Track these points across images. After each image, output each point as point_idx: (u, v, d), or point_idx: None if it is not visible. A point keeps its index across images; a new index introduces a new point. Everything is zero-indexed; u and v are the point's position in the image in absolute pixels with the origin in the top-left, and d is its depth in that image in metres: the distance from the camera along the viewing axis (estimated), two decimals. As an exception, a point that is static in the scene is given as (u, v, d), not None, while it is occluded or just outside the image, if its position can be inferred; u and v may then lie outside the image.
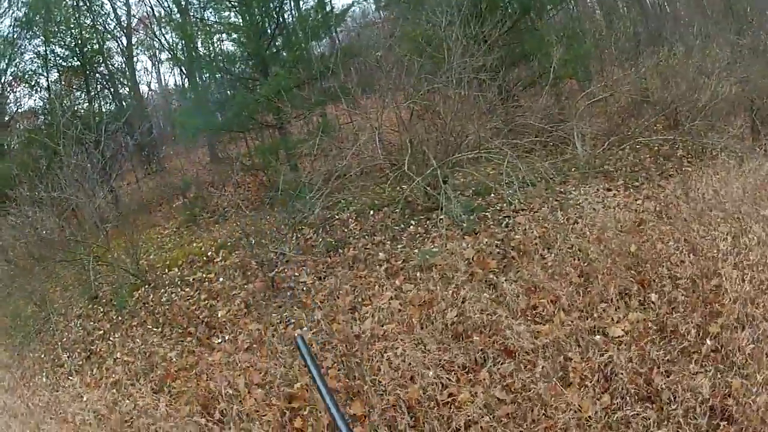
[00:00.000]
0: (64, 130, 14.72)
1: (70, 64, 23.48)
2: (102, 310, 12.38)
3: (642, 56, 14.87)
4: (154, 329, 10.64)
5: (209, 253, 13.44)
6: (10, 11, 21.76)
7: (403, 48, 15.13)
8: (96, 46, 23.74)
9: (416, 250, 10.25)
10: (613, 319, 6.72)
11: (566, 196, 11.15)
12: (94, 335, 11.35)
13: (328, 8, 18.22)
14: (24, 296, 13.97)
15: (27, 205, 13.87)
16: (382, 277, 9.60)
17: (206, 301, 11.10)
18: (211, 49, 19.50)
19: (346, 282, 9.77)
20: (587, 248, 8.39)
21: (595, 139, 13.39)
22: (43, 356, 11.39)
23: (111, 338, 10.85)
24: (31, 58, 22.58)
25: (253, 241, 11.64)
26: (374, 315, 8.21)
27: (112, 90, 25.56)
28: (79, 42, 22.69)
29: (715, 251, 7.43)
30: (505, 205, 11.09)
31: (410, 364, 6.64)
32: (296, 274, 10.82)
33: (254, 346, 8.66)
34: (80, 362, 10.44)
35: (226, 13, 18.41)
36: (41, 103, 23.29)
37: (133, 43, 26.22)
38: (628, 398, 5.44)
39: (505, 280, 8.17)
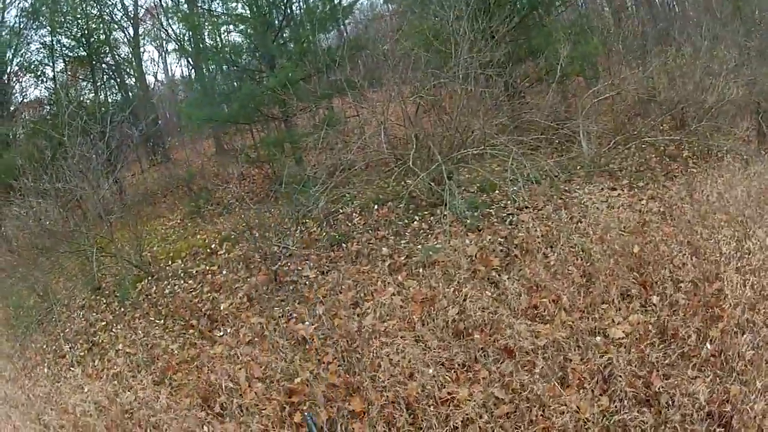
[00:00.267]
0: (70, 121, 14.68)
1: (76, 54, 23.39)
2: (105, 301, 12.38)
3: (649, 55, 14.80)
4: (157, 321, 10.65)
5: (213, 246, 13.42)
6: (17, 1, 21.81)
7: (411, 42, 15.05)
8: (102, 37, 23.63)
9: (419, 246, 10.24)
10: (613, 321, 6.74)
11: (571, 194, 11.12)
12: (96, 326, 11.35)
13: (335, 0, 18.06)
14: (27, 287, 13.98)
15: (31, 195, 13.83)
16: (385, 273, 9.60)
17: (209, 294, 11.09)
18: (218, 40, 19.44)
19: (348, 277, 9.78)
20: (590, 248, 8.39)
21: (600, 137, 13.31)
22: (45, 347, 11.41)
23: (113, 330, 10.86)
24: (37, 48, 22.49)
25: (257, 234, 11.63)
26: (376, 311, 8.23)
27: (118, 80, 25.41)
28: (86, 32, 22.61)
29: (718, 255, 7.43)
30: (509, 202, 11.05)
31: (410, 361, 6.67)
32: (299, 268, 10.83)
33: (256, 339, 8.68)
34: (82, 353, 10.46)
35: (234, 4, 18.38)
36: (47, 94, 23.23)
37: (139, 33, 26.11)
38: (626, 401, 5.45)
39: (508, 279, 8.18)
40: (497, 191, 11.65)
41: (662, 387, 5.47)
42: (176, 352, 9.14)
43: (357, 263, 10.39)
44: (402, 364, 6.69)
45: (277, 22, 17.44)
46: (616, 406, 5.46)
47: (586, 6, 21.35)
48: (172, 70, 39.37)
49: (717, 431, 5.02)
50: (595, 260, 8.05)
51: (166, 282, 12.22)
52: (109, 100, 23.19)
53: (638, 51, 15.64)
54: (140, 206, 19.49)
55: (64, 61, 23.71)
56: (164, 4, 25.47)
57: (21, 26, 21.43)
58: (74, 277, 13.89)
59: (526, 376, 6.03)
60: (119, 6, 25.08)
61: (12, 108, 22.03)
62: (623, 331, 6.49)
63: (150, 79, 28.65)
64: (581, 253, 8.46)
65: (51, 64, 22.92)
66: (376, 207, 12.42)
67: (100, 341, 10.64)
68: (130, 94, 25.03)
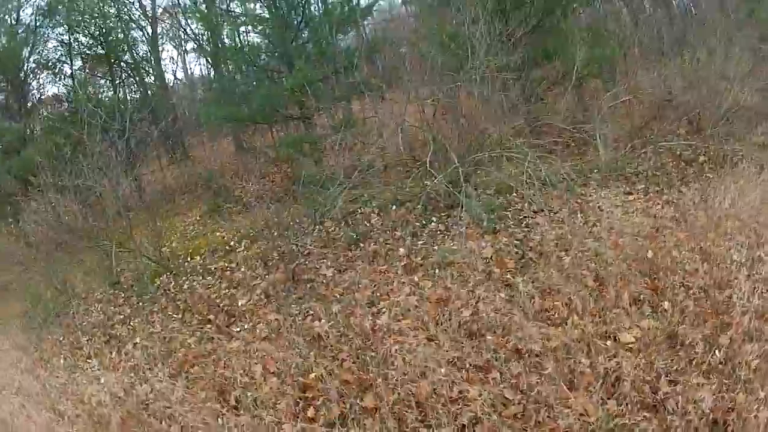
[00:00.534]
0: (89, 120, 14.81)
1: (94, 52, 23.52)
2: (123, 295, 12.55)
3: (666, 58, 14.80)
4: (174, 316, 10.76)
5: (231, 243, 13.59)
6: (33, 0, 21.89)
7: (428, 44, 15.16)
8: (120, 35, 23.72)
9: (436, 247, 10.35)
10: (624, 325, 6.80)
11: (586, 198, 11.16)
12: (114, 320, 11.49)
13: (354, 2, 18.18)
14: (45, 280, 14.14)
15: (50, 191, 14.06)
16: (401, 273, 9.68)
17: (227, 290, 11.22)
18: (237, 40, 19.61)
19: (365, 276, 9.86)
20: (604, 252, 8.44)
21: (617, 141, 13.33)
22: (61, 339, 11.55)
23: (131, 323, 10.99)
24: (54, 46, 22.69)
25: (276, 233, 11.81)
26: (391, 310, 8.32)
27: (137, 78, 25.57)
28: (104, 31, 22.72)
29: (729, 262, 7.48)
30: (525, 205, 11.12)
31: (423, 360, 6.75)
32: (317, 266, 10.96)
33: (272, 335, 8.77)
34: (99, 346, 10.53)
35: (252, 5, 18.56)
36: (65, 91, 23.48)
37: (158, 32, 26.16)
38: (632, 406, 5.53)
39: (522, 281, 8.25)
40: (514, 194, 11.69)
41: (669, 393, 5.55)
42: (193, 346, 9.22)
43: (374, 263, 10.49)
44: (414, 362, 6.76)
45: (295, 23, 17.58)
46: (622, 410, 5.53)
47: (603, 9, 21.28)
48: (191, 68, 39.42)
49: (721, 439, 5.09)
50: (608, 264, 8.10)
51: (184, 278, 12.36)
52: (128, 98, 23.19)
53: (655, 54, 15.63)
54: (159, 203, 19.68)
55: (82, 59, 23.92)
56: (182, 4, 25.73)
57: (37, 24, 21.63)
58: (92, 271, 14.01)
59: (536, 377, 6.12)
60: (137, 5, 25.21)
61: (29, 104, 22.19)
62: (634, 336, 6.56)
63: (169, 77, 28.70)
64: (595, 257, 8.50)
65: (69, 61, 23.19)
66: (393, 208, 12.46)
67: (118, 334, 10.74)
68: (149, 92, 25.14)
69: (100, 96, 22.32)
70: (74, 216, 13.90)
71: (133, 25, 24.77)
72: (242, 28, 19.42)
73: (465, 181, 11.10)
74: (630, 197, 11.08)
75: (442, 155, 11.98)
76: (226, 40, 20.35)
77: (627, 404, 5.59)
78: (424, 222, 11.60)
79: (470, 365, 6.74)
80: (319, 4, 19.49)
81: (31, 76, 22.15)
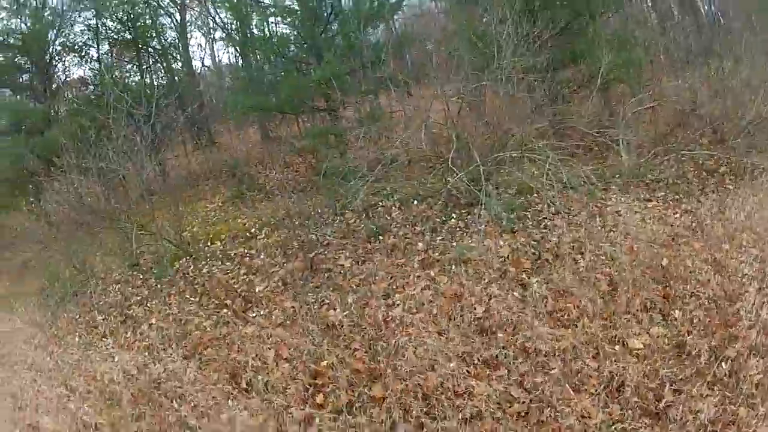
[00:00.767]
0: (115, 104, 14.94)
1: (121, 37, 23.46)
2: (141, 277, 12.70)
3: (692, 67, 14.69)
4: (192, 299, 10.90)
5: (252, 230, 13.72)
6: (59, -16, 21.71)
7: (455, 42, 15.19)
8: (149, 21, 23.67)
9: (454, 244, 10.45)
10: (634, 331, 6.87)
11: (606, 202, 11.20)
12: (131, 300, 11.64)
13: (385, -4, 18.20)
14: (64, 259, 14.27)
15: (73, 173, 14.18)
16: (418, 267, 9.82)
17: (245, 276, 11.36)
18: (266, 30, 19.65)
19: (382, 268, 10.00)
20: (619, 258, 8.51)
21: (640, 147, 13.30)
22: (77, 318, 11.69)
23: (148, 304, 11.13)
24: (81, 30, 22.59)
25: (297, 222, 11.96)
26: (405, 303, 8.48)
27: (164, 65, 25.52)
28: (131, 16, 22.64)
29: (741, 275, 7.53)
30: (545, 206, 11.15)
31: (434, 353, 6.92)
32: (335, 257, 11.10)
33: (287, 322, 8.93)
34: (115, 325, 10.72)
35: (281, -3, 18.66)
36: (91, 74, 23.35)
37: (186, 20, 26.04)
38: (634, 411, 5.63)
39: (536, 282, 8.36)
40: (535, 195, 11.73)
41: (672, 402, 5.63)
42: (209, 329, 9.38)
43: (392, 256, 10.62)
44: (425, 355, 6.93)
45: (325, 15, 17.66)
46: (624, 415, 5.63)
47: (631, 13, 21.06)
48: (219, 56, 39.51)
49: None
50: (622, 270, 8.16)
51: (203, 262, 12.49)
52: (155, 84, 22.96)
53: (681, 62, 15.52)
54: (183, 188, 19.72)
55: (109, 43, 23.84)
56: (211, -8, 25.72)
57: (64, 8, 21.55)
58: (112, 252, 14.12)
59: (543, 377, 6.24)
60: (166, -8, 25.02)
61: (54, 86, 22.06)
62: (642, 343, 6.64)
63: (197, 64, 28.64)
64: (610, 261, 8.58)
65: (96, 45, 23.04)
66: (414, 202, 12.59)
67: (134, 314, 10.88)
68: (177, 78, 25.06)
69: (126, 80, 22.50)
70: (97, 197, 14.17)
71: (162, 12, 24.74)
72: (271, 19, 19.51)
73: (486, 180, 11.12)
74: (649, 204, 11.10)
75: (465, 153, 12.01)
76: (255, 30, 20.39)
77: (629, 410, 5.68)
78: (444, 218, 11.71)
79: (479, 361, 6.87)
80: (349, -3, 19.53)
81: (56, 58, 22.06)
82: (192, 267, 12.43)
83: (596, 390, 5.98)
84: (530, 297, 8.07)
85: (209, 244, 13.71)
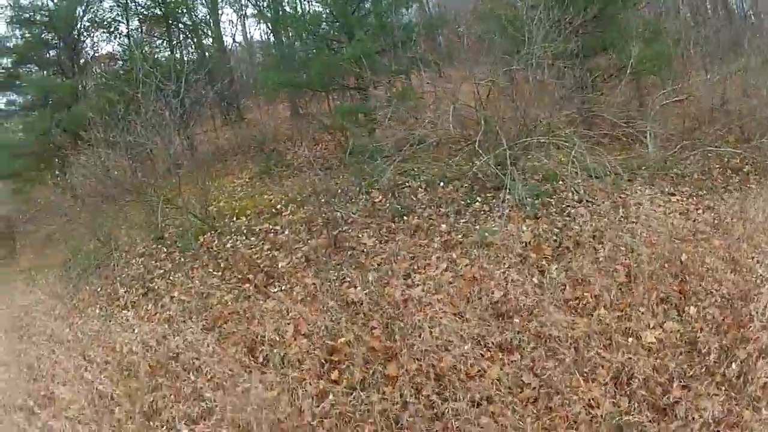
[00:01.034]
0: (144, 79, 15.01)
1: (152, 13, 23.55)
2: (165, 250, 12.86)
3: (722, 62, 14.53)
4: (215, 273, 11.00)
5: (278, 206, 13.77)
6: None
7: (486, 25, 15.15)
8: None
9: (477, 227, 10.51)
10: (648, 325, 6.97)
11: (630, 194, 11.19)
12: (154, 273, 11.83)
13: (416, -24, 18.13)
14: (88, 232, 14.52)
15: (100, 146, 14.26)
16: (440, 249, 9.92)
17: (269, 252, 11.43)
18: (298, 8, 19.72)
19: (405, 248, 10.09)
20: (639, 250, 8.55)
21: (667, 140, 13.28)
22: (99, 290, 11.98)
23: (170, 277, 11.30)
24: (110, 6, 22.65)
25: (323, 199, 12.04)
26: (425, 283, 8.60)
27: (194, 40, 25.60)
28: None
29: (756, 275, 7.58)
30: (570, 194, 11.19)
31: (449, 334, 7.08)
32: (359, 235, 11.20)
33: (308, 299, 9.07)
34: (136, 297, 10.97)
35: (313, -26, 18.63)
36: (120, 49, 23.54)
37: None
38: (640, 405, 5.75)
39: (555, 269, 8.48)
40: (560, 182, 11.73)
41: (679, 398, 5.74)
42: (230, 303, 9.51)
43: (415, 236, 10.68)
44: (440, 336, 7.07)
45: (357, -7, 17.67)
46: (632, 407, 5.75)
47: (663, 5, 20.77)
48: (250, 32, 39.44)
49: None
50: (641, 262, 8.20)
51: (228, 237, 12.57)
52: (185, 59, 23.07)
53: (710, 57, 15.34)
54: (210, 163, 19.78)
55: (139, 19, 23.93)
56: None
57: None
58: (137, 225, 14.29)
59: (555, 364, 6.38)
60: (197, -32, 24.88)
61: (82, 61, 22.18)
62: (655, 337, 6.72)
63: (228, 40, 28.59)
64: (630, 253, 8.62)
65: (125, 21, 23.08)
66: (441, 184, 12.61)
67: (156, 287, 11.07)
68: (207, 54, 25.10)
69: (156, 56, 22.65)
70: (123, 171, 14.19)
71: (193, -12, 24.66)
72: (303, -3, 19.51)
73: (512, 165, 11.12)
74: (672, 198, 11.13)
75: (492, 136, 11.99)
76: (287, 8, 20.43)
77: (636, 402, 5.81)
78: (468, 201, 11.74)
79: (493, 344, 7.03)
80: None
81: (84, 34, 22.15)
82: (216, 241, 12.53)
83: (605, 380, 6.10)
84: (548, 284, 8.17)
85: (234, 219, 13.81)
